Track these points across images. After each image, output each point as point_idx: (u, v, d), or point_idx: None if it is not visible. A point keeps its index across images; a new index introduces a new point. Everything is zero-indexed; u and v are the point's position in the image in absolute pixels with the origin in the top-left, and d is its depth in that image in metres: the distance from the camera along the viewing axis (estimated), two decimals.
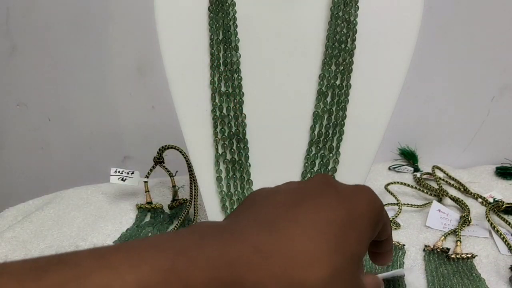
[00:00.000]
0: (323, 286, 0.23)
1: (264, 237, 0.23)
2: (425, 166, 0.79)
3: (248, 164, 0.45)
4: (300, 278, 0.22)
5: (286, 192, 0.28)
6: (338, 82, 0.43)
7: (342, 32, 0.43)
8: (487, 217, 0.57)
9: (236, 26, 0.44)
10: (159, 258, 0.19)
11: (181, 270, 0.19)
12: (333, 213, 0.25)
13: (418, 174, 0.75)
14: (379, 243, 0.33)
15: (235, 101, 0.44)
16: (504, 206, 0.61)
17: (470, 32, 0.77)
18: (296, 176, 0.45)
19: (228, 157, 0.45)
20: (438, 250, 0.52)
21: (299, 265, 0.22)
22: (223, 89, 0.44)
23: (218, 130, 0.45)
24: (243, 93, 0.45)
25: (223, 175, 0.45)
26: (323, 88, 0.43)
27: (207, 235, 0.22)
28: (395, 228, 0.58)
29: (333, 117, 0.44)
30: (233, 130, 0.45)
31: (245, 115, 0.45)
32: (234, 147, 0.45)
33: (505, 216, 0.60)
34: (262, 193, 0.29)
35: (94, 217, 0.60)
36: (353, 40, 0.43)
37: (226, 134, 0.45)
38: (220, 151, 0.45)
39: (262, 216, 0.25)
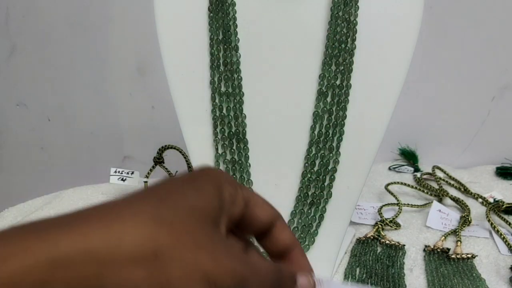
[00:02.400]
0: (164, 251, 0.19)
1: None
2: (425, 166, 0.79)
3: (248, 164, 0.45)
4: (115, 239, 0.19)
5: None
6: (338, 82, 0.43)
7: (342, 32, 0.43)
8: (487, 217, 0.57)
9: (236, 26, 0.44)
10: None
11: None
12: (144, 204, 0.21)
13: (418, 174, 0.75)
14: (270, 236, 0.28)
15: (235, 101, 0.44)
16: (505, 206, 0.61)
17: (470, 32, 0.77)
18: (296, 176, 0.45)
19: (228, 157, 0.45)
20: (438, 250, 0.52)
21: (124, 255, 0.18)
22: (223, 89, 0.44)
23: (218, 130, 0.45)
24: (243, 93, 0.45)
25: None
26: (323, 88, 0.43)
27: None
28: (396, 228, 0.58)
29: (333, 117, 0.44)
30: (233, 130, 0.45)
31: (245, 115, 0.45)
32: (234, 147, 0.45)
33: (506, 216, 0.60)
34: None
35: None
36: (353, 40, 0.43)
37: (226, 134, 0.45)
38: (220, 151, 0.45)
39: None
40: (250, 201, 0.27)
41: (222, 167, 0.45)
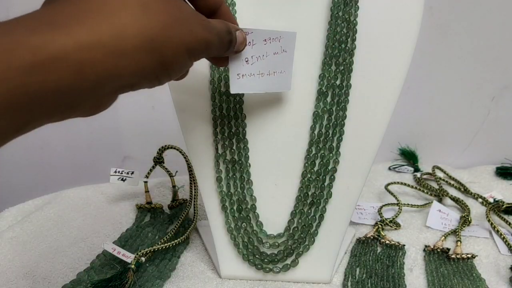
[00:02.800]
0: (137, 22, 0.23)
1: (56, 5, 0.22)
2: (425, 166, 0.79)
3: (248, 164, 0.45)
4: (108, 28, 0.22)
5: None
6: (338, 82, 0.43)
7: (342, 32, 0.43)
8: (487, 217, 0.57)
9: None
10: None
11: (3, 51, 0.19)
12: None
13: (418, 174, 0.75)
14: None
15: (235, 101, 0.44)
16: (504, 206, 0.61)
17: (470, 32, 0.77)
18: (296, 176, 0.45)
19: (228, 157, 0.45)
20: (438, 250, 0.52)
21: (101, 18, 0.22)
22: (223, 89, 0.44)
23: (218, 130, 0.45)
24: (243, 93, 0.45)
25: (223, 175, 0.45)
26: (323, 88, 0.43)
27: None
28: (396, 228, 0.58)
29: (333, 117, 0.44)
30: (233, 130, 0.45)
31: (245, 115, 0.45)
32: (234, 147, 0.45)
33: (505, 216, 0.60)
34: None
35: (94, 217, 0.60)
36: (353, 40, 0.43)
37: (226, 134, 0.45)
38: (220, 151, 0.45)
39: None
40: None
41: (222, 167, 0.45)
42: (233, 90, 0.40)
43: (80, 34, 0.21)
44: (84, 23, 0.21)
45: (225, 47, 0.32)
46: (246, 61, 0.39)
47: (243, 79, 0.39)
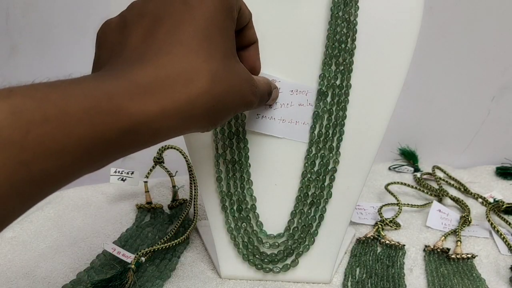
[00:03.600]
0: (208, 91, 0.26)
1: (138, 71, 0.24)
2: (425, 166, 0.79)
3: (248, 164, 0.45)
4: (187, 96, 0.25)
5: (134, 23, 0.28)
6: (338, 82, 0.43)
7: (342, 32, 0.43)
8: (487, 217, 0.57)
9: None
10: (30, 89, 0.20)
11: (56, 99, 0.20)
12: (191, 26, 0.27)
13: (418, 174, 0.75)
14: (243, 32, 0.35)
15: None
16: (504, 206, 0.61)
17: (470, 32, 0.77)
18: (296, 176, 0.45)
19: (228, 157, 0.45)
20: (438, 250, 0.52)
21: (180, 86, 0.25)
22: None
23: (218, 129, 0.45)
24: None
25: (223, 175, 0.45)
26: (323, 88, 0.43)
27: (82, 78, 0.23)
28: (395, 228, 0.58)
29: (333, 117, 0.44)
30: (233, 129, 0.45)
31: (245, 115, 0.45)
32: (234, 147, 0.45)
33: (505, 216, 0.60)
34: (112, 31, 0.29)
35: (94, 217, 0.60)
36: (353, 40, 0.43)
37: (226, 134, 0.45)
38: (220, 151, 0.45)
39: (128, 54, 0.26)
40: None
41: (222, 166, 0.45)
42: (248, 126, 0.44)
43: (165, 102, 0.24)
44: (167, 91, 0.24)
45: (262, 104, 0.38)
46: (270, 105, 0.43)
47: (261, 119, 0.42)
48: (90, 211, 0.62)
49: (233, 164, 0.45)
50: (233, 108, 0.29)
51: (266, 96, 0.37)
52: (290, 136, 0.44)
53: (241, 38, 0.36)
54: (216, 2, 0.28)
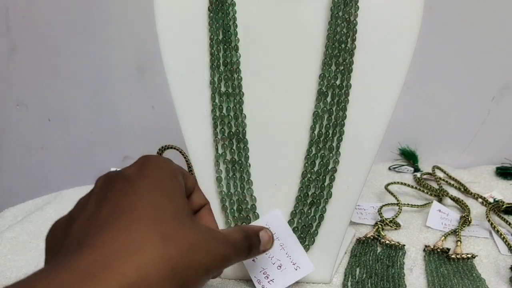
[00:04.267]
0: (161, 255, 0.23)
1: (76, 257, 0.22)
2: (425, 166, 0.79)
3: (248, 164, 0.45)
4: (136, 268, 0.22)
5: (78, 214, 0.27)
6: (338, 82, 0.43)
7: (342, 32, 0.43)
8: (487, 217, 0.57)
9: (236, 26, 0.44)
10: None
11: None
12: (134, 196, 0.26)
13: (418, 174, 0.75)
14: (191, 197, 0.34)
15: (235, 101, 0.44)
16: (505, 206, 0.61)
17: (470, 32, 0.77)
18: (296, 176, 0.45)
19: (228, 157, 0.45)
20: (438, 250, 0.52)
21: (127, 258, 0.22)
22: (223, 89, 0.44)
23: (218, 130, 0.45)
24: (243, 93, 0.45)
25: (223, 175, 0.45)
26: (323, 88, 0.43)
27: (21, 282, 0.21)
28: (395, 228, 0.58)
29: (333, 117, 0.44)
30: (233, 130, 0.45)
31: (245, 115, 0.45)
32: (234, 147, 0.45)
33: (506, 216, 0.60)
34: (58, 229, 0.28)
35: None
36: (353, 40, 0.43)
37: (226, 134, 0.45)
38: (220, 151, 0.45)
39: (68, 242, 0.24)
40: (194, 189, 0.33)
41: (222, 167, 0.45)
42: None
43: (111, 282, 0.21)
44: (112, 268, 0.22)
45: (244, 254, 0.33)
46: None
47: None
48: None
49: (233, 164, 0.45)
50: (202, 266, 0.26)
51: (242, 244, 0.32)
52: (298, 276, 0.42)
53: (191, 203, 0.34)
54: (158, 171, 0.28)
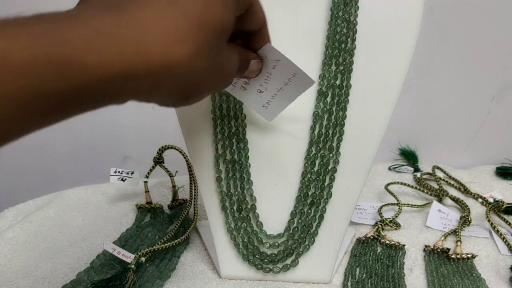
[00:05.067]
0: (186, 63, 0.23)
1: (110, 20, 0.21)
2: (425, 166, 0.79)
3: (248, 164, 0.45)
4: (163, 59, 0.22)
5: None
6: (338, 82, 0.43)
7: (342, 32, 0.43)
8: (487, 217, 0.57)
9: None
10: None
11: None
12: None
13: (418, 174, 0.75)
14: (254, 37, 0.33)
15: (235, 101, 0.44)
16: (505, 206, 0.61)
17: (470, 32, 0.77)
18: (296, 176, 0.45)
19: (228, 157, 0.45)
20: (438, 250, 0.52)
21: (158, 46, 0.22)
22: None
23: (218, 130, 0.45)
24: None
25: (223, 175, 0.45)
26: (323, 88, 0.43)
27: (43, 18, 0.21)
28: (395, 228, 0.58)
29: (333, 117, 0.44)
30: (233, 130, 0.45)
31: (244, 115, 0.45)
32: (234, 147, 0.45)
33: (505, 216, 0.60)
34: None
35: (94, 217, 0.60)
36: (353, 40, 0.43)
37: (226, 134, 0.45)
38: (220, 151, 0.45)
39: (108, 0, 0.23)
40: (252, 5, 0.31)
41: (222, 167, 0.45)
42: (269, 119, 0.41)
43: (136, 59, 0.21)
44: (142, 47, 0.22)
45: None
46: (260, 91, 0.39)
47: (269, 105, 0.40)
48: (90, 211, 0.62)
49: (233, 164, 0.45)
50: (209, 88, 0.27)
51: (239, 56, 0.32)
52: (298, 92, 0.39)
53: (252, 43, 0.33)
54: None
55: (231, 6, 0.27)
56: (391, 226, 0.57)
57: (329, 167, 0.44)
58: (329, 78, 0.43)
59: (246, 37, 0.34)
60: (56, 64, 0.19)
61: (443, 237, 0.54)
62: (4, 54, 0.18)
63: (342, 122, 0.44)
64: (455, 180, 0.72)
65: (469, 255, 0.51)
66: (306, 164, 0.44)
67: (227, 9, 0.26)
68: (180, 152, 0.60)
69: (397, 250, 0.52)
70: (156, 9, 0.23)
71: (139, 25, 0.22)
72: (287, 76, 0.40)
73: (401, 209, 0.61)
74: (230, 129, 0.45)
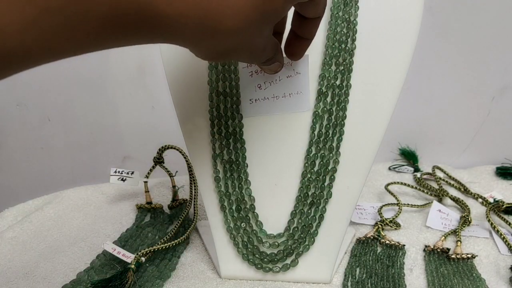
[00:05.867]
0: (233, 35, 0.26)
1: None
2: (425, 166, 0.79)
3: (245, 164, 0.45)
4: (214, 22, 0.24)
5: None
6: (338, 82, 0.43)
7: (342, 32, 0.43)
8: (487, 217, 0.57)
9: None
10: None
11: None
12: None
13: (418, 174, 0.75)
14: (305, 23, 0.35)
15: (232, 101, 0.44)
16: (504, 206, 0.61)
17: (470, 32, 0.77)
18: (296, 176, 0.45)
19: (226, 157, 0.45)
20: (438, 250, 0.52)
21: (216, 11, 0.24)
22: (220, 89, 0.44)
23: (215, 130, 0.45)
24: (239, 93, 0.45)
25: (220, 175, 0.45)
26: (323, 88, 0.43)
27: None
28: (395, 228, 0.58)
29: (333, 117, 0.44)
30: (230, 130, 0.45)
31: (241, 115, 0.45)
32: (231, 147, 0.45)
33: (505, 216, 0.60)
34: None
35: (94, 217, 0.60)
36: (353, 40, 0.43)
37: (223, 134, 0.45)
38: (217, 151, 0.45)
39: None
40: None
41: (219, 167, 0.45)
42: (246, 115, 0.42)
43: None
44: None
45: (254, 62, 0.35)
46: (259, 87, 0.41)
47: (256, 103, 0.41)
48: (90, 211, 0.62)
49: (231, 164, 0.45)
50: (236, 57, 0.29)
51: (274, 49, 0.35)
52: (287, 110, 0.43)
53: (301, 27, 0.35)
54: None
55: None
56: (391, 226, 0.57)
57: (329, 167, 0.44)
58: (329, 78, 0.43)
59: (300, 17, 0.35)
60: (134, 15, 0.22)
61: (443, 237, 0.54)
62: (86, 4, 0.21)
63: (342, 122, 0.44)
64: (455, 180, 0.72)
65: (469, 255, 0.51)
66: (306, 164, 0.44)
67: (287, 2, 0.28)
68: (180, 152, 0.60)
69: (397, 250, 0.52)
70: None
71: None
72: (292, 91, 0.41)
73: (401, 209, 0.61)
74: (227, 129, 0.45)
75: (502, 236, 0.55)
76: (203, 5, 0.24)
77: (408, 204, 0.63)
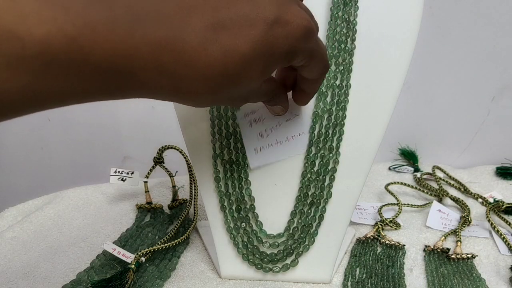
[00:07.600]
0: (204, 96, 0.27)
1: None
2: (425, 166, 0.79)
3: (245, 164, 0.45)
4: (184, 87, 0.25)
5: None
6: (338, 82, 0.43)
7: (342, 32, 0.43)
8: (487, 217, 0.57)
9: None
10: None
11: None
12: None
13: (418, 174, 0.75)
14: (306, 81, 0.35)
15: None
16: (505, 206, 0.61)
17: (470, 32, 0.77)
18: (295, 176, 0.45)
19: (226, 157, 0.45)
20: (438, 250, 0.52)
21: (184, 77, 0.25)
22: None
23: (215, 130, 0.45)
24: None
25: (221, 175, 0.45)
26: (323, 88, 0.43)
27: None
28: (395, 228, 0.58)
29: (333, 117, 0.44)
30: (230, 130, 0.45)
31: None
32: (232, 147, 0.45)
33: (505, 216, 0.60)
34: None
35: (94, 217, 0.60)
36: (353, 40, 0.43)
37: (223, 134, 0.45)
38: (217, 151, 0.45)
39: None
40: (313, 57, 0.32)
41: (219, 167, 0.45)
42: (253, 165, 0.43)
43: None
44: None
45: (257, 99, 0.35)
46: (261, 136, 0.42)
47: (261, 152, 0.42)
48: (90, 211, 0.62)
49: (231, 164, 0.45)
50: (223, 103, 0.30)
51: (268, 94, 0.35)
52: (288, 154, 0.44)
53: (302, 83, 0.36)
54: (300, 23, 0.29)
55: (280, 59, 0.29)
56: (391, 226, 0.57)
57: (329, 167, 0.44)
58: (329, 78, 0.43)
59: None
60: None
61: (443, 237, 0.54)
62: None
63: (342, 122, 0.44)
64: (455, 180, 0.72)
65: (469, 255, 0.51)
66: (306, 164, 0.44)
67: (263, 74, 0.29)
68: (180, 152, 0.60)
69: (397, 250, 0.52)
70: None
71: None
72: (293, 133, 0.42)
73: (401, 209, 0.61)
74: (227, 129, 0.45)
75: (502, 236, 0.55)
76: (171, 71, 0.24)
77: (408, 204, 0.63)
